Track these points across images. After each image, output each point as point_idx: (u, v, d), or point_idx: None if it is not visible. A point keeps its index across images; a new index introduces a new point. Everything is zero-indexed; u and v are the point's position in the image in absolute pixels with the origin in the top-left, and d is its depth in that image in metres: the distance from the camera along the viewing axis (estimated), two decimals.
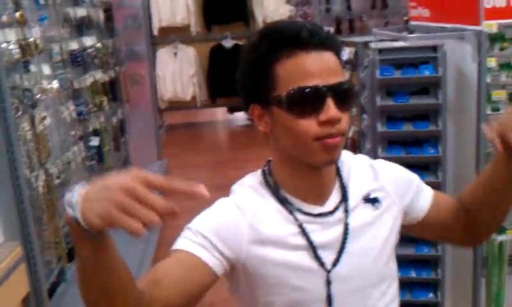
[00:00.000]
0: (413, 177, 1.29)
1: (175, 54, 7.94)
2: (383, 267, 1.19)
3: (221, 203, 1.20)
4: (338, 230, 1.15)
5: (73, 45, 3.84)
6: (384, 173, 1.24)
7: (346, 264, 1.14)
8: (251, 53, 1.12)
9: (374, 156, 2.58)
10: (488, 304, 2.82)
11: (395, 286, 1.23)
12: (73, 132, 3.71)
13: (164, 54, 7.95)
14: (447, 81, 2.53)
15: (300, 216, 1.15)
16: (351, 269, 1.15)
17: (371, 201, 1.19)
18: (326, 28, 1.16)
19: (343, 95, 1.08)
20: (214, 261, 1.11)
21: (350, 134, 3.31)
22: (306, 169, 1.14)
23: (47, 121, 3.05)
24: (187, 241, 1.15)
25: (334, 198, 1.18)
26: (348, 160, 1.24)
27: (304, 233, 1.13)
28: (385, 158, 2.51)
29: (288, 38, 1.07)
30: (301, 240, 1.13)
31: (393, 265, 1.24)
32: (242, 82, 1.15)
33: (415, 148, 2.58)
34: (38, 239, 2.40)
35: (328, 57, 1.07)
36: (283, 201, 1.16)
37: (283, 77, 1.07)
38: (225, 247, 1.12)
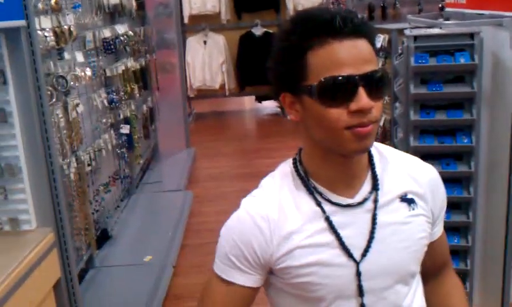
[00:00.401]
0: (445, 203, 1.28)
1: (205, 42, 7.94)
2: (414, 266, 1.19)
3: (240, 222, 1.17)
4: (367, 221, 1.13)
5: (106, 33, 3.87)
6: (427, 182, 1.22)
7: (376, 253, 1.12)
8: (283, 41, 1.09)
9: (406, 145, 2.54)
10: None
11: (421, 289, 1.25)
12: (104, 120, 3.75)
13: (194, 42, 7.96)
14: (482, 69, 2.47)
15: (328, 207, 1.13)
16: (381, 260, 1.13)
17: (407, 200, 1.17)
18: (359, 15, 1.12)
19: (376, 84, 1.04)
20: (252, 279, 1.16)
21: (381, 123, 3.27)
22: (337, 159, 1.11)
23: (80, 108, 3.08)
24: (224, 267, 1.17)
25: (365, 189, 1.15)
26: (387, 153, 1.22)
27: (331, 226, 1.12)
28: (417, 147, 2.49)
29: (320, 26, 1.04)
30: (328, 236, 1.12)
31: (419, 283, 1.24)
32: (273, 70, 1.13)
33: (448, 137, 2.53)
34: (69, 225, 2.44)
35: (362, 44, 1.04)
36: (312, 191, 1.15)
37: (315, 66, 1.04)
38: (255, 261, 1.14)
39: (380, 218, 1.14)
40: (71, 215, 2.91)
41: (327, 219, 1.12)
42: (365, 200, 1.14)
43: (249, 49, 7.86)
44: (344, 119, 1.03)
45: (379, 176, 1.17)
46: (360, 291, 1.12)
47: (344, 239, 1.12)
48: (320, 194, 1.14)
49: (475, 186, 2.53)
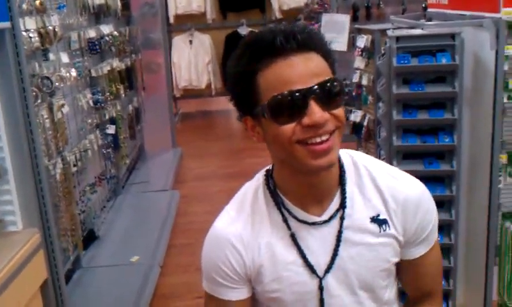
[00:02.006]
0: (430, 224, 1.20)
1: (191, 41, 7.94)
2: (382, 282, 1.19)
3: (217, 244, 1.20)
4: (333, 238, 1.15)
5: (91, 33, 3.87)
6: (402, 199, 1.17)
7: (339, 271, 1.15)
8: (236, 66, 1.11)
9: (390, 144, 2.57)
10: (500, 292, 2.81)
11: None
12: (90, 120, 3.75)
13: (179, 42, 7.96)
14: (463, 69, 2.51)
15: (294, 223, 1.15)
16: (344, 277, 1.16)
17: (379, 221, 1.15)
18: (308, 27, 1.10)
19: (328, 94, 1.03)
20: (240, 292, 1.20)
21: (365, 123, 3.30)
22: (303, 176, 1.12)
23: (65, 108, 3.08)
24: (212, 287, 1.21)
25: (333, 206, 1.15)
26: (367, 167, 1.18)
27: (295, 243, 1.15)
28: (400, 147, 2.52)
29: (265, 48, 1.04)
30: (293, 253, 1.15)
31: (390, 293, 1.23)
32: (231, 94, 1.14)
33: (430, 137, 2.57)
34: (55, 226, 2.44)
35: (308, 59, 1.04)
36: (280, 207, 1.17)
37: (265, 87, 1.05)
38: (238, 276, 1.18)
39: (347, 236, 1.15)
40: (57, 216, 2.91)
41: (292, 235, 1.15)
42: (331, 218, 1.15)
43: (235, 49, 7.87)
44: (295, 134, 1.04)
45: (350, 194, 1.15)
46: (322, 305, 1.16)
47: (308, 256, 1.15)
48: (288, 210, 1.16)
49: (457, 184, 2.57)
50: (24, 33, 2.54)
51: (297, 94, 1.02)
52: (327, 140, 1.04)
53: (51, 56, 2.98)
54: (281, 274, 1.15)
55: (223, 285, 1.19)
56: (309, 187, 1.14)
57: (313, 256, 1.15)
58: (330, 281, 1.15)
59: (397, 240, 1.17)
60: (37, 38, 2.72)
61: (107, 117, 4.16)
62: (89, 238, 3.73)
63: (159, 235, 3.92)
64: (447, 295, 2.66)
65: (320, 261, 1.15)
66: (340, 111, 1.06)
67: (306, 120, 1.03)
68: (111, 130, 4.20)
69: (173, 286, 3.48)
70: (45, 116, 2.82)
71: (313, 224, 1.15)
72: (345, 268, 1.15)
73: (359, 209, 1.15)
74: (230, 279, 1.18)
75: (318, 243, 1.15)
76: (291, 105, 1.02)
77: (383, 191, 1.16)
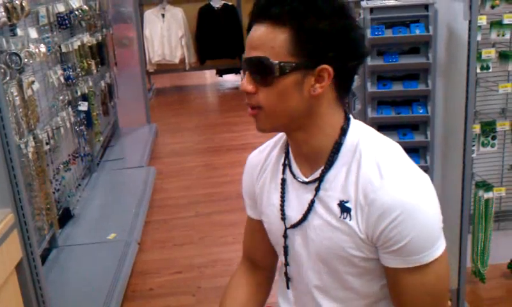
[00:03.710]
0: (404, 239, 1.07)
1: (163, 15, 7.81)
2: (343, 268, 1.17)
3: (245, 169, 1.40)
4: (307, 202, 1.20)
5: (60, 8, 3.77)
6: (379, 204, 1.08)
7: (303, 232, 1.22)
8: None
9: (364, 116, 2.58)
10: (474, 260, 2.88)
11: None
12: (61, 97, 3.68)
13: (151, 15, 7.82)
14: (437, 40, 2.52)
15: (288, 173, 1.25)
16: (305, 239, 1.22)
17: (343, 208, 1.13)
18: None
19: (255, 71, 1.10)
20: (257, 214, 1.38)
21: None
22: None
23: (35, 85, 3.01)
24: (245, 206, 1.43)
25: (317, 174, 1.18)
26: (364, 156, 1.12)
27: (282, 188, 1.25)
28: (375, 118, 2.54)
29: (252, 10, 1.13)
30: (277, 196, 1.27)
31: (370, 287, 1.19)
32: None
33: (405, 108, 2.60)
34: (29, 206, 2.40)
35: (258, 30, 1.09)
36: (287, 153, 1.26)
37: None
38: (253, 199, 1.37)
39: (317, 207, 1.18)
40: (31, 195, 2.86)
41: (282, 180, 1.25)
42: (310, 183, 1.19)
43: (209, 22, 7.79)
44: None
45: (334, 171, 1.15)
46: (285, 251, 1.27)
47: (285, 205, 1.24)
48: (289, 159, 1.25)
49: (431, 155, 2.61)
50: None
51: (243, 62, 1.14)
52: (253, 109, 1.14)
53: (19, 32, 2.90)
54: (265, 209, 1.31)
55: (247, 204, 1.41)
56: (295, 146, 1.22)
57: (289, 208, 1.24)
58: (295, 236, 1.24)
59: (357, 235, 1.11)
60: (3, 13, 2.64)
61: (79, 93, 4.08)
62: (65, 217, 3.69)
63: (136, 212, 3.90)
64: None
65: (292, 215, 1.23)
66: (265, 91, 1.10)
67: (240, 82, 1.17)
68: (83, 106, 4.13)
69: (151, 262, 3.48)
70: (15, 94, 2.75)
71: (297, 180, 1.22)
72: (308, 233, 1.20)
73: (335, 188, 1.15)
74: (248, 198, 1.39)
75: (296, 200, 1.22)
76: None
77: (359, 182, 1.11)
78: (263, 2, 1.09)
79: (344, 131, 1.15)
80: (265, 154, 1.33)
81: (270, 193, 1.29)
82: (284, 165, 1.26)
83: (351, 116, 1.19)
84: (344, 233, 1.14)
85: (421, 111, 2.57)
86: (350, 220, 1.12)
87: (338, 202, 1.14)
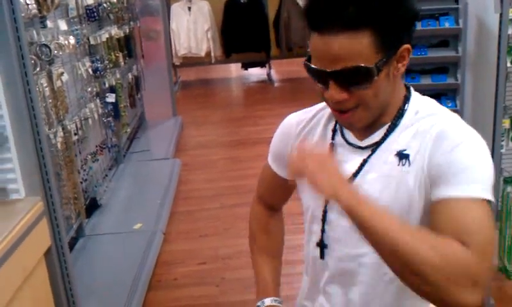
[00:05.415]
0: (454, 166, 1.04)
1: (189, 8, 7.85)
2: None
3: (283, 124, 1.39)
4: (359, 163, 1.18)
5: (89, 0, 3.81)
6: (435, 134, 1.09)
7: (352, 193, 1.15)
8: None
9: None
10: (501, 257, 2.84)
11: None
12: (89, 89, 3.73)
13: (178, 8, 7.86)
14: (467, 33, 2.49)
15: (338, 138, 1.24)
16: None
17: (401, 156, 1.13)
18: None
19: (345, 80, 1.07)
20: (281, 171, 1.38)
21: None
22: None
23: (65, 77, 3.06)
24: (270, 154, 1.43)
25: (375, 137, 1.18)
26: (431, 117, 1.13)
27: (331, 151, 1.23)
28: None
29: (310, 17, 1.08)
30: None
31: None
32: None
33: None
34: (57, 194, 2.44)
35: (336, 41, 1.03)
36: (336, 124, 1.25)
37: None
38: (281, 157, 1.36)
39: (371, 164, 1.17)
40: (59, 184, 2.91)
41: (331, 145, 1.23)
42: (366, 148, 1.18)
43: (235, 16, 7.79)
44: (328, 99, 1.12)
45: (394, 133, 1.16)
46: (324, 218, 1.24)
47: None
48: (341, 126, 1.24)
49: None
50: (21, 0, 2.50)
51: (317, 72, 1.09)
52: (346, 112, 1.12)
53: (49, 24, 2.95)
54: None
55: (273, 158, 1.40)
56: None
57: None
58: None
59: (417, 177, 1.10)
60: (34, 5, 2.68)
61: (106, 85, 4.13)
62: (92, 207, 3.74)
63: (161, 203, 3.94)
64: None
65: None
66: (361, 92, 1.08)
67: (326, 94, 1.11)
68: (110, 98, 4.18)
69: (176, 252, 3.51)
70: (45, 85, 2.80)
71: (350, 144, 1.21)
72: (360, 190, 1.11)
73: (392, 144, 1.15)
74: (275, 154, 1.39)
75: (348, 164, 1.19)
76: (315, 76, 1.11)
77: (419, 131, 1.13)
78: (330, 10, 1.03)
79: (407, 99, 1.18)
80: (310, 115, 1.32)
81: None
82: (334, 130, 1.25)
83: (410, 86, 1.21)
84: (402, 182, 1.11)
85: (450, 105, 2.54)
86: (409, 166, 1.11)
87: (395, 153, 1.14)
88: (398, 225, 0.97)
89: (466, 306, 0.93)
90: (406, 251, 0.93)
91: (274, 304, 1.37)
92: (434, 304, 0.99)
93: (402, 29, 1.08)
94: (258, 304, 1.38)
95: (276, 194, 1.48)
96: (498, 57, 2.38)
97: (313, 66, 1.09)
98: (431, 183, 1.07)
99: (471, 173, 1.04)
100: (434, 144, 1.08)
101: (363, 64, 1.04)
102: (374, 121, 1.16)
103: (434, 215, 1.05)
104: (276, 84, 8.17)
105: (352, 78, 1.07)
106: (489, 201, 1.02)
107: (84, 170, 3.52)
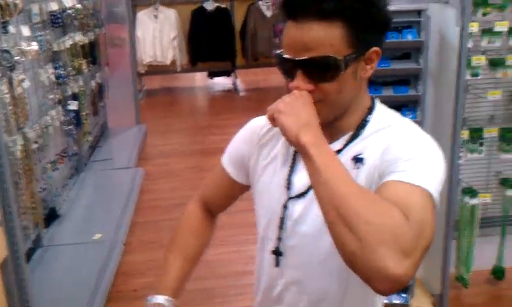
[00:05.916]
0: (401, 154, 1.05)
1: (156, 16, 7.80)
2: None
3: (245, 128, 1.37)
4: None
5: (53, 6, 3.75)
6: (390, 144, 1.09)
7: (306, 204, 1.17)
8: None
9: None
10: (458, 266, 2.89)
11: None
12: (51, 96, 3.65)
13: (144, 16, 7.80)
14: (429, 46, 2.53)
15: None
16: (311, 207, 1.15)
17: (356, 160, 1.14)
18: None
19: (314, 70, 1.07)
20: (235, 173, 1.37)
21: None
22: None
23: (26, 84, 2.99)
24: (226, 154, 1.41)
25: (338, 145, 1.16)
26: (391, 128, 1.14)
27: (293, 160, 1.22)
28: None
29: (285, 4, 1.09)
30: (287, 165, 1.23)
31: None
32: None
33: None
34: (15, 204, 2.38)
35: (311, 29, 1.05)
36: None
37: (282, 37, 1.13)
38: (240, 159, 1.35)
39: None
40: (17, 194, 2.83)
41: (295, 152, 1.21)
42: None
43: (202, 24, 7.78)
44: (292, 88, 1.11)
45: (353, 143, 1.15)
46: (281, 224, 1.21)
47: (293, 174, 1.20)
48: None
49: None
50: None
51: (286, 62, 1.09)
52: None
53: (11, 29, 2.88)
54: (265, 177, 1.27)
55: (229, 160, 1.38)
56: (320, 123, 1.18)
57: (298, 176, 1.20)
58: (295, 206, 1.19)
59: (370, 175, 1.10)
60: None
61: (69, 93, 4.06)
62: (51, 217, 3.65)
63: (122, 213, 3.87)
64: None
65: (299, 185, 1.19)
66: (326, 86, 1.08)
67: (291, 85, 1.10)
68: (73, 106, 4.10)
69: (137, 263, 3.46)
70: (5, 91, 2.73)
71: None
72: (313, 202, 1.10)
73: (350, 152, 1.15)
74: (233, 156, 1.37)
75: (305, 170, 1.13)
76: (284, 67, 1.12)
77: (375, 138, 1.14)
78: (307, 0, 1.06)
79: (370, 110, 1.18)
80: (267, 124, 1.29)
81: (276, 161, 1.25)
82: None
83: (375, 98, 1.21)
84: (356, 180, 1.06)
85: (411, 116, 2.57)
86: (363, 166, 1.12)
87: (351, 158, 1.14)
88: (348, 177, 0.97)
89: (390, 276, 0.86)
90: (346, 200, 0.91)
91: (161, 302, 1.33)
92: (358, 273, 0.91)
93: (374, 28, 1.10)
94: (148, 297, 1.35)
95: (220, 197, 1.47)
96: (459, 70, 2.43)
97: (283, 55, 1.09)
98: (381, 177, 1.06)
99: (420, 165, 1.03)
100: (389, 144, 1.09)
101: (332, 55, 1.05)
102: (333, 121, 1.15)
103: (378, 193, 1.01)
104: (241, 93, 8.18)
105: (320, 68, 1.07)
106: (433, 199, 1.00)
107: (44, 179, 3.44)
